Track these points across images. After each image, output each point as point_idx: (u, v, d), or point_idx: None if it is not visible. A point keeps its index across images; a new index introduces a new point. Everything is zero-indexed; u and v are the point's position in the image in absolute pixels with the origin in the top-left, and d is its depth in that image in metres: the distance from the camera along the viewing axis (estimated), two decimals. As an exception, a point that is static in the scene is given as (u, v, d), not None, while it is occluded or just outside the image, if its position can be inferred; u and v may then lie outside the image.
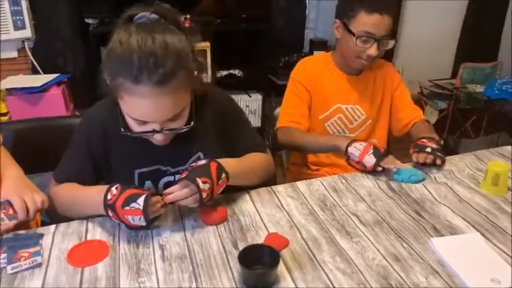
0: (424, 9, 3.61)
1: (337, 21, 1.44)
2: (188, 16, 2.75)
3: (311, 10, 3.33)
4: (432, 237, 0.98)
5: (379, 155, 1.23)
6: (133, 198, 0.93)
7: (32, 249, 0.92)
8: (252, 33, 2.91)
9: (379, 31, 1.36)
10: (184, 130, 1.00)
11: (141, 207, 0.92)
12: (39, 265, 0.88)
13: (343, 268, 0.88)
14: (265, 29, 2.92)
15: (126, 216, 0.93)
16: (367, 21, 1.35)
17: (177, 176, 1.11)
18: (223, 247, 0.94)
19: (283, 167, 1.73)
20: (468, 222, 1.04)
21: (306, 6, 3.28)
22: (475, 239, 0.97)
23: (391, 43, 1.42)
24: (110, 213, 0.95)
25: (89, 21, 2.65)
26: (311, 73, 1.51)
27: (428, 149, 1.28)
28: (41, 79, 2.52)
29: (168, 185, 1.10)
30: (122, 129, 0.99)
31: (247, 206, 1.10)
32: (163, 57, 0.88)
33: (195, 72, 0.97)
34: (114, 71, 0.90)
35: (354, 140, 1.29)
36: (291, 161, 1.68)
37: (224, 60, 2.94)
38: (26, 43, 2.67)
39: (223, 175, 1.01)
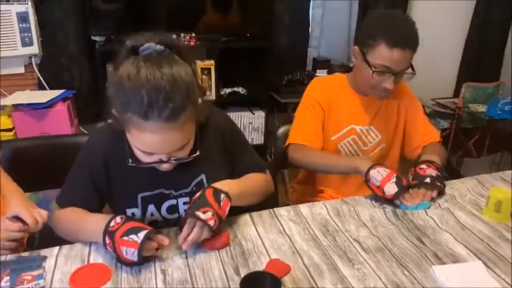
0: (426, 27, 3.65)
1: (356, 48, 1.38)
2: (193, 34, 2.79)
3: (314, 28, 3.37)
4: (434, 265, 0.98)
5: (402, 187, 1.20)
6: (134, 231, 0.93)
7: (35, 272, 0.92)
8: (256, 51, 2.94)
9: (398, 66, 1.31)
10: (190, 159, 1.02)
11: (139, 241, 0.91)
12: (42, 288, 0.89)
13: (345, 296, 0.88)
14: (268, 47, 2.95)
15: (121, 247, 0.92)
16: (387, 56, 1.28)
17: (180, 200, 1.12)
18: (225, 272, 0.94)
19: (285, 185, 1.73)
20: (470, 250, 1.05)
21: (309, 24, 3.32)
22: (477, 267, 0.97)
23: (410, 76, 1.38)
24: (107, 241, 0.94)
25: (96, 38, 2.69)
26: (327, 92, 1.47)
27: (427, 179, 1.27)
28: (47, 95, 2.55)
29: (171, 208, 1.12)
30: (130, 161, 1.00)
31: (249, 230, 1.10)
32: (173, 92, 0.88)
33: (199, 100, 0.98)
34: (122, 105, 0.91)
35: (376, 164, 1.26)
36: (296, 180, 1.66)
37: (228, 78, 2.97)
38: (33, 59, 2.71)
39: (222, 196, 1.02)
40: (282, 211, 1.19)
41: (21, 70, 2.72)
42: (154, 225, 1.10)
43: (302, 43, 3.30)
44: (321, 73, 3.20)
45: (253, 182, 1.18)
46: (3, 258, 0.97)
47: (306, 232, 1.10)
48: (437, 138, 1.52)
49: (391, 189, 1.20)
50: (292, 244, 1.05)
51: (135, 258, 0.92)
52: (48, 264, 0.96)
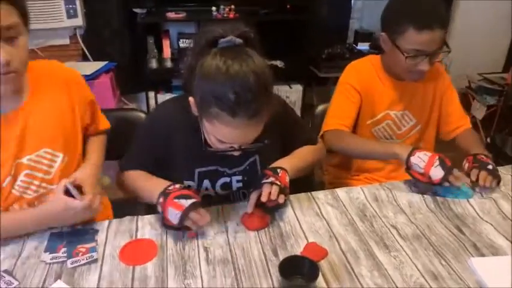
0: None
1: (383, 34, 1.35)
2: (233, 7, 2.77)
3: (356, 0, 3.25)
4: (472, 256, 0.98)
5: (448, 168, 1.17)
6: (186, 197, 1.02)
7: (88, 245, 1.00)
8: (296, 23, 2.89)
9: (431, 47, 1.27)
10: (258, 147, 1.06)
11: (186, 206, 0.99)
12: (95, 261, 0.96)
13: (381, 283, 0.90)
14: (309, 20, 2.89)
15: (168, 207, 1.00)
16: (416, 39, 1.25)
17: (233, 178, 1.19)
18: (264, 254, 0.98)
19: (321, 166, 1.73)
20: (511, 242, 1.03)
21: (352, -4, 3.20)
22: (518, 261, 0.96)
23: (445, 54, 1.34)
24: (160, 199, 1.03)
25: (137, 11, 2.72)
26: (362, 77, 1.44)
27: (490, 166, 1.25)
28: (91, 66, 2.63)
29: (225, 186, 1.19)
30: (204, 148, 1.06)
31: (287, 212, 1.13)
32: (258, 92, 0.92)
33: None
34: (209, 99, 0.93)
35: (415, 149, 1.23)
36: (331, 163, 1.67)
37: (266, 51, 2.94)
38: (77, 31, 2.79)
39: (279, 170, 1.10)
40: (320, 195, 1.21)
41: (67, 41, 2.81)
42: (208, 199, 1.18)
43: (344, 15, 3.20)
44: (363, 46, 3.12)
45: (305, 155, 1.25)
46: (59, 230, 1.05)
47: (343, 216, 1.12)
48: (469, 124, 1.52)
49: (437, 173, 1.18)
50: (330, 228, 1.07)
51: (176, 221, 0.99)
52: (100, 237, 1.03)
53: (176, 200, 1.00)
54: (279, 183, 1.06)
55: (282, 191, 1.05)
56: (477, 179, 1.23)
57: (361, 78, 1.44)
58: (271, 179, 1.06)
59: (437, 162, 1.19)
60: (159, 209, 1.04)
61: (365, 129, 1.48)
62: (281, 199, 1.05)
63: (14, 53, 0.91)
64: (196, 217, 1.01)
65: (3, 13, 0.87)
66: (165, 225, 1.05)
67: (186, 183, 1.16)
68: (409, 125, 1.49)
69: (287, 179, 1.10)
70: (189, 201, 1.00)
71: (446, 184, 1.18)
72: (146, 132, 1.18)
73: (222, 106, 0.92)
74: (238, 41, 0.96)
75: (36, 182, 1.07)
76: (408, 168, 1.23)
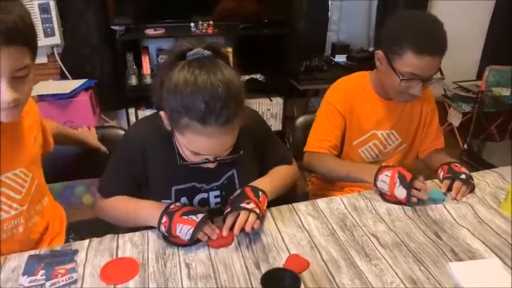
0: (449, 8, 3.55)
1: (380, 52, 1.32)
2: (211, 22, 2.79)
3: (334, 11, 3.32)
4: (450, 261, 1.00)
5: (408, 186, 1.18)
6: (194, 212, 1.03)
7: (68, 266, 0.98)
8: (274, 37, 2.93)
9: (427, 72, 1.26)
10: (233, 158, 1.06)
11: (197, 220, 1.01)
12: (75, 282, 0.94)
13: (362, 292, 0.91)
14: (287, 33, 2.93)
15: (177, 224, 1.01)
16: (414, 63, 1.23)
17: (211, 193, 1.18)
18: (246, 267, 0.98)
19: (304, 176, 1.74)
20: (487, 246, 1.06)
21: (329, 8, 3.27)
22: (494, 265, 0.99)
23: (438, 81, 1.33)
24: (164, 219, 1.03)
25: (116, 28, 2.73)
26: (348, 98, 1.43)
27: (463, 176, 1.27)
28: (70, 85, 2.62)
29: (202, 202, 1.18)
30: (179, 162, 1.06)
31: (268, 224, 1.14)
32: (228, 99, 0.92)
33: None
34: (178, 110, 0.94)
35: (379, 170, 1.24)
36: (314, 174, 1.66)
37: (246, 65, 2.97)
38: (55, 49, 2.77)
39: (260, 193, 1.10)
40: (301, 206, 1.22)
41: (44, 60, 2.79)
42: None
43: (321, 28, 3.26)
44: (340, 58, 3.17)
45: (283, 176, 1.25)
46: (37, 252, 1.03)
47: (324, 227, 1.13)
48: (442, 144, 1.54)
49: (400, 193, 1.19)
50: (311, 239, 1.08)
51: (187, 236, 1.00)
52: (80, 257, 1.02)
53: (185, 217, 1.01)
54: (258, 211, 1.05)
55: (258, 217, 1.05)
56: (450, 189, 1.26)
57: (346, 99, 1.43)
58: (251, 205, 1.05)
59: (398, 182, 1.19)
60: (162, 229, 1.03)
61: (352, 149, 1.48)
62: (256, 225, 1.04)
63: (20, 89, 0.92)
64: (209, 230, 1.04)
65: (17, 56, 0.86)
66: (172, 242, 1.05)
67: (164, 202, 1.14)
68: (395, 144, 1.50)
69: (266, 205, 1.11)
70: (200, 216, 1.02)
71: (414, 200, 1.19)
72: (122, 153, 1.16)
73: (191, 115, 0.92)
74: (207, 52, 0.96)
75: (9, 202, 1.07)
76: (381, 194, 1.26)
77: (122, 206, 1.16)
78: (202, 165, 1.05)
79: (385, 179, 1.22)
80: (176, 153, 1.07)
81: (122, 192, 1.16)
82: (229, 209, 1.06)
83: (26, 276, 0.95)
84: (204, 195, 1.18)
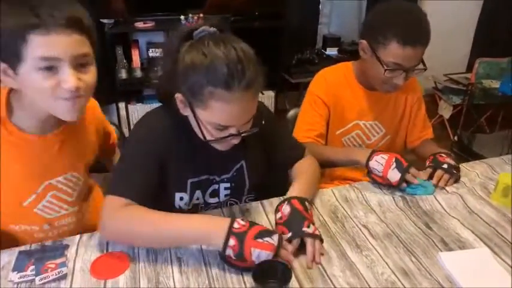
0: (441, 1, 3.56)
1: (364, 42, 1.33)
2: (201, 15, 2.77)
3: (325, 4, 3.31)
4: (441, 251, 1.01)
5: (403, 169, 1.20)
6: (267, 233, 0.93)
7: (58, 261, 0.97)
8: (265, 30, 2.91)
9: (410, 63, 1.28)
10: (256, 130, 1.04)
11: (276, 244, 0.92)
12: (65, 276, 0.94)
13: (353, 283, 0.92)
14: (278, 26, 2.92)
15: (252, 249, 0.90)
16: (398, 53, 1.25)
17: (221, 184, 1.17)
18: (238, 260, 0.98)
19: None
20: (476, 235, 1.07)
21: (320, 1, 3.26)
22: (483, 254, 1.00)
23: (420, 71, 1.34)
24: (232, 242, 0.90)
25: (104, 21, 2.69)
26: (331, 88, 1.44)
27: (445, 165, 1.29)
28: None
29: (214, 193, 1.17)
30: (205, 138, 1.02)
31: (260, 217, 1.14)
32: (247, 62, 0.93)
33: None
34: (200, 81, 0.93)
35: (373, 152, 1.26)
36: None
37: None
38: (43, 43, 2.73)
39: (308, 205, 1.07)
40: (292, 198, 1.22)
41: (33, 54, 2.75)
42: (196, 209, 1.16)
43: (312, 20, 3.26)
44: (332, 51, 3.17)
45: (313, 174, 1.24)
46: (28, 248, 1.02)
47: (316, 219, 1.13)
48: (431, 134, 1.56)
49: (394, 175, 1.21)
50: (303, 231, 1.08)
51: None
52: (70, 252, 1.01)
53: (260, 240, 0.91)
54: (318, 233, 1.01)
55: (322, 241, 1.01)
56: (432, 177, 1.27)
57: (329, 89, 1.44)
58: (312, 227, 1.00)
59: (394, 165, 1.22)
60: (230, 252, 0.91)
61: (335, 139, 1.49)
62: (323, 250, 1.00)
63: (83, 78, 0.93)
64: (285, 253, 0.95)
65: (77, 43, 0.91)
66: (233, 265, 0.95)
67: (178, 195, 1.12)
68: (379, 135, 1.51)
69: (313, 214, 1.08)
70: (275, 238, 0.93)
71: (404, 185, 1.22)
72: (142, 149, 1.05)
73: (215, 82, 0.91)
74: (213, 29, 0.97)
75: (60, 204, 1.12)
76: (369, 172, 1.27)
77: (154, 219, 0.97)
78: (225, 140, 1.01)
79: (380, 160, 1.23)
80: (192, 145, 1.07)
81: (146, 192, 1.02)
82: (289, 234, 0.99)
83: (16, 272, 0.94)
84: (215, 186, 1.17)
